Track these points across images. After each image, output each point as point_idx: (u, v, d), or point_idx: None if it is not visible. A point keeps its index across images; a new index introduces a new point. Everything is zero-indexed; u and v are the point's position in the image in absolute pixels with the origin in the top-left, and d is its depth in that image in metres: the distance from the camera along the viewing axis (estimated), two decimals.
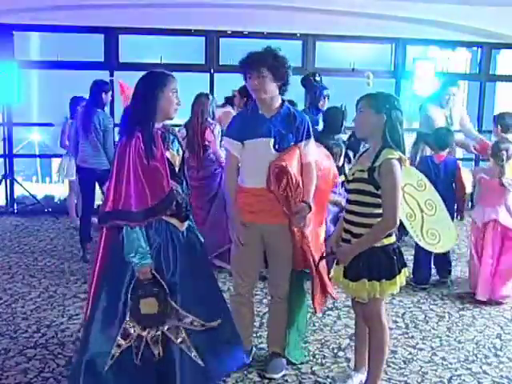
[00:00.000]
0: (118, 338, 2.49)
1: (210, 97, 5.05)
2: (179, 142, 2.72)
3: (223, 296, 2.88)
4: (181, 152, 2.69)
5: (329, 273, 3.16)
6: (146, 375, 2.52)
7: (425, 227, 3.77)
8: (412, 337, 3.71)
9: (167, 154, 2.56)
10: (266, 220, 3.01)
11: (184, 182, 2.68)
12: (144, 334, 2.50)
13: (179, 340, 2.52)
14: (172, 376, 2.50)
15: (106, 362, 2.47)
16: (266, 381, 3.09)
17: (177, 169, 2.64)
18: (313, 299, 3.20)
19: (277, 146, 2.96)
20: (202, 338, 2.58)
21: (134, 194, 2.45)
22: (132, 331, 2.50)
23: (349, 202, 2.82)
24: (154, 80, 2.60)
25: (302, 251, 3.06)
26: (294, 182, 2.92)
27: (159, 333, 2.51)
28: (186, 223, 2.68)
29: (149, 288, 2.49)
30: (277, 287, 3.15)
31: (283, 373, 3.15)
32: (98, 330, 2.53)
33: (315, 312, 3.36)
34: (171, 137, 2.65)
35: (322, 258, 3.02)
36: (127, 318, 2.50)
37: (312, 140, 3.09)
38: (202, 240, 2.79)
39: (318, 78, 5.40)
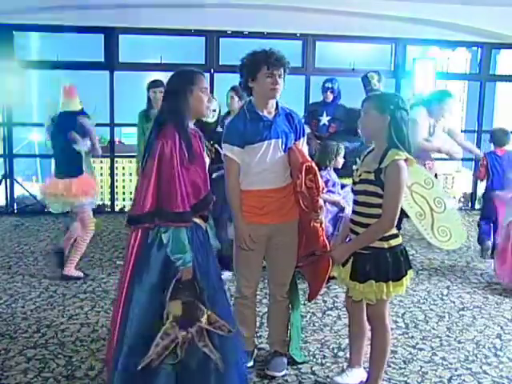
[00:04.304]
0: (158, 338, 2.40)
1: None
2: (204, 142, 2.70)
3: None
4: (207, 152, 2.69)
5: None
6: (168, 377, 2.46)
7: (435, 225, 3.74)
8: (412, 337, 3.71)
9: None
10: (276, 220, 2.99)
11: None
12: (180, 335, 2.41)
13: (202, 344, 2.45)
14: (190, 379, 2.46)
15: (140, 362, 2.38)
16: (266, 381, 3.09)
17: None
18: (311, 286, 3.20)
19: (283, 146, 2.95)
20: (221, 343, 2.52)
21: (179, 193, 2.41)
22: (171, 332, 2.41)
23: (356, 203, 2.80)
24: (184, 78, 2.55)
25: (316, 235, 2.99)
26: (318, 178, 2.91)
27: (190, 335, 2.43)
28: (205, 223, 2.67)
29: (182, 291, 2.43)
30: (281, 286, 3.15)
31: (284, 372, 3.15)
32: (134, 331, 2.47)
33: (309, 299, 3.33)
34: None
35: (313, 254, 3.01)
36: (170, 319, 2.42)
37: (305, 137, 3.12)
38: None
39: (375, 78, 5.39)
